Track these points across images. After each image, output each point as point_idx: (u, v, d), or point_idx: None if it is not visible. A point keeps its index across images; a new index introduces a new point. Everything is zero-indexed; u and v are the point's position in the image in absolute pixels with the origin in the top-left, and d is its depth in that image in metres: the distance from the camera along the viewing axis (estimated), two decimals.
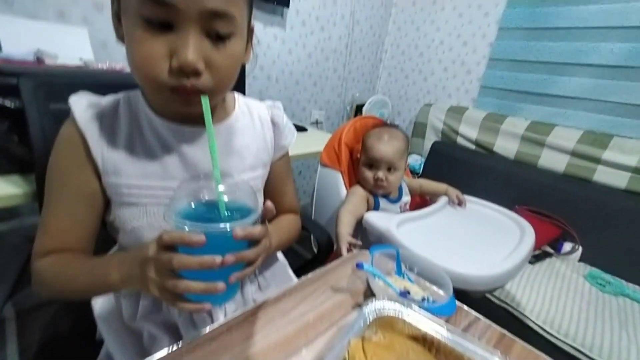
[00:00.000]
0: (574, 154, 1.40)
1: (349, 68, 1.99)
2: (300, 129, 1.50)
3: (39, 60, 0.74)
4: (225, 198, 0.34)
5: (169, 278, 0.32)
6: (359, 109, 2.02)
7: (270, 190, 0.57)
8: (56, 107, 0.60)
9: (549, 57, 1.50)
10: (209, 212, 0.34)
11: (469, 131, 1.71)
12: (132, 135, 0.43)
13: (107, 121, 0.43)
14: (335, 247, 0.77)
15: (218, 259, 0.30)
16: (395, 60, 2.12)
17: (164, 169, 0.44)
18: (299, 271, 0.80)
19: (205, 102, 0.34)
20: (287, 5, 1.47)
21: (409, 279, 0.53)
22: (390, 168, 0.86)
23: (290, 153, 1.08)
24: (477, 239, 0.78)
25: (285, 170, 0.60)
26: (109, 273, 0.39)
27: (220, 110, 0.49)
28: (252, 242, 0.35)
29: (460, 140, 1.76)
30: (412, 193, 1.00)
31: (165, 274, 0.32)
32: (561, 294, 1.08)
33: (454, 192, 0.97)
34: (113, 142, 0.42)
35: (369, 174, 0.87)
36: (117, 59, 1.07)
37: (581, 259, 1.31)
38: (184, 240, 0.30)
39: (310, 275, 0.53)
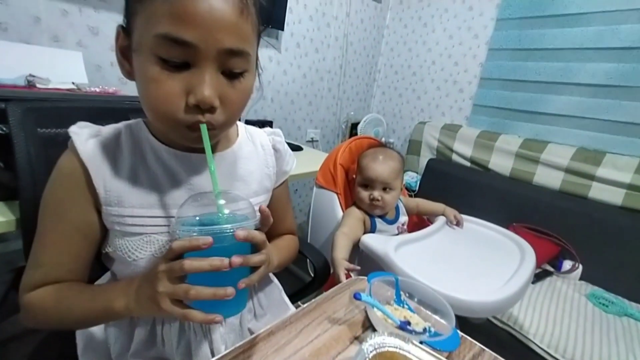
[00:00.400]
0: (568, 170, 1.41)
1: (344, 88, 2.02)
2: (295, 148, 1.50)
3: (30, 84, 0.73)
4: (226, 210, 0.37)
5: (180, 288, 0.33)
6: (354, 128, 2.03)
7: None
8: (44, 132, 0.60)
9: (538, 76, 1.53)
10: (212, 222, 0.36)
11: (463, 148, 1.72)
12: (135, 165, 0.43)
13: (109, 151, 0.42)
14: (331, 272, 0.75)
15: (226, 260, 0.32)
16: (388, 79, 2.16)
17: (169, 198, 0.43)
18: (296, 296, 0.78)
19: (204, 130, 0.36)
20: (282, 28, 1.50)
21: (409, 308, 0.51)
22: (385, 188, 0.86)
23: None
24: (477, 261, 0.77)
25: (285, 195, 0.61)
26: (113, 299, 0.38)
27: (224, 140, 0.49)
28: (255, 249, 0.38)
29: (455, 157, 1.77)
30: (409, 213, 0.98)
31: (177, 283, 0.34)
32: (564, 315, 1.05)
33: (451, 212, 0.95)
34: (115, 172, 0.41)
35: (364, 194, 0.87)
36: (111, 82, 1.07)
37: (582, 278, 1.29)
38: (193, 243, 0.32)
39: (305, 306, 0.51)
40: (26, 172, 0.54)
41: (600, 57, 1.37)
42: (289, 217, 0.63)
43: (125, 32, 0.37)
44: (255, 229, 0.38)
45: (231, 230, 0.34)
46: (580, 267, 1.29)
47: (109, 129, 0.44)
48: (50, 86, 0.77)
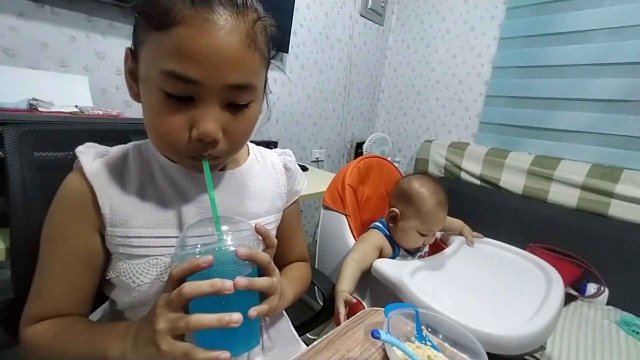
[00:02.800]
0: (584, 187, 1.35)
1: (348, 108, 2.02)
2: (301, 168, 1.48)
3: (32, 108, 0.72)
4: (229, 240, 0.35)
5: (180, 319, 0.31)
6: (359, 147, 2.01)
7: (281, 238, 0.55)
8: (41, 156, 0.57)
9: (545, 93, 1.51)
10: (215, 252, 0.34)
11: (472, 166, 1.68)
12: (143, 184, 0.42)
13: (116, 170, 0.41)
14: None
15: (228, 281, 0.30)
16: (393, 99, 2.16)
17: (178, 216, 0.42)
18: (304, 327, 0.72)
19: (206, 166, 0.36)
20: (287, 51, 1.52)
21: (433, 346, 0.45)
22: None
23: None
24: (501, 288, 0.70)
25: (296, 217, 0.59)
26: (109, 344, 0.36)
27: (233, 159, 0.49)
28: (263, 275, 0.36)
29: (464, 175, 1.72)
30: None
31: (177, 317, 0.31)
32: (596, 345, 0.97)
33: (470, 233, 0.89)
34: (123, 191, 0.41)
35: (419, 240, 0.79)
36: (116, 105, 1.07)
37: (609, 302, 1.20)
38: (192, 263, 0.31)
39: (316, 343, 0.45)
40: (19, 198, 0.52)
41: (608, 73, 1.35)
42: (299, 241, 0.61)
43: (133, 55, 0.37)
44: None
45: (233, 249, 0.32)
46: (607, 290, 1.21)
47: (116, 149, 0.43)
48: (52, 109, 0.76)
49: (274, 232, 0.53)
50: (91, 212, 0.39)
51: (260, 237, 0.38)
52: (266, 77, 0.42)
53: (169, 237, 0.41)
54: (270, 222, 0.51)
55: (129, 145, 0.44)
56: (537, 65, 1.53)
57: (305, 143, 1.84)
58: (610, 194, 1.29)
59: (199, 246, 0.34)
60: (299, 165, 1.62)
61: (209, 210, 0.43)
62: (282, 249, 0.55)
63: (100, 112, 0.82)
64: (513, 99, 1.62)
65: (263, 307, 0.35)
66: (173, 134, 0.35)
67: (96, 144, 0.43)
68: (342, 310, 0.63)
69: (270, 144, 1.54)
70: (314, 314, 0.72)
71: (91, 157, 0.40)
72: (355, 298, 0.78)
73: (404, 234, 0.80)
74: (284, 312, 0.60)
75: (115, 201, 0.40)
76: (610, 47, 1.33)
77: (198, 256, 0.32)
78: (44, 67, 0.93)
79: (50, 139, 0.59)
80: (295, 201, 0.58)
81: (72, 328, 0.39)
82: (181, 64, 0.31)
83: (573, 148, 1.45)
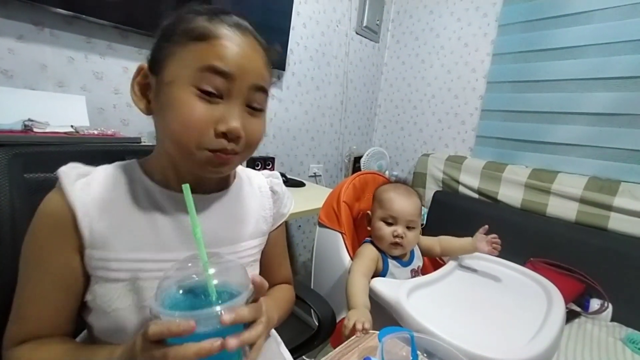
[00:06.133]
0: (583, 201, 1.34)
1: (345, 123, 2.04)
2: (298, 184, 1.47)
3: (27, 129, 0.73)
4: (215, 281, 0.33)
5: None
6: (357, 161, 2.02)
7: (267, 260, 0.55)
8: (32, 177, 0.57)
9: (539, 106, 1.53)
10: (197, 297, 0.33)
11: (470, 180, 1.68)
12: (125, 206, 0.41)
13: (98, 191, 0.40)
14: (338, 320, 0.68)
15: (217, 341, 0.29)
16: (389, 113, 2.18)
17: (159, 238, 0.42)
18: (300, 348, 0.70)
19: (187, 190, 0.34)
20: (283, 68, 1.54)
21: None
22: (409, 225, 0.81)
23: None
24: (500, 307, 0.69)
25: (281, 240, 0.59)
26: None
27: (222, 180, 0.49)
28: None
29: (462, 189, 1.72)
30: (428, 255, 0.91)
31: None
32: None
33: (485, 247, 0.82)
34: (103, 213, 0.40)
35: (387, 231, 0.80)
36: (113, 124, 1.08)
37: (613, 319, 1.17)
38: (172, 330, 0.28)
39: None
40: (6, 221, 0.51)
41: (601, 87, 1.37)
42: (285, 265, 0.61)
43: (152, 70, 0.40)
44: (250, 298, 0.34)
45: (219, 313, 0.30)
46: (610, 306, 1.18)
47: (100, 170, 0.43)
48: (47, 130, 0.77)
49: (258, 255, 0.53)
50: (71, 232, 0.39)
51: (249, 276, 0.36)
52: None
53: (150, 260, 0.41)
54: (254, 246, 0.51)
55: (113, 165, 0.44)
56: (530, 80, 1.55)
57: (302, 158, 1.84)
58: (609, 207, 1.28)
59: (180, 291, 0.32)
60: (296, 181, 1.62)
61: (191, 234, 0.42)
62: (267, 271, 0.55)
63: (96, 132, 0.83)
64: (508, 112, 1.64)
65: (251, 357, 0.34)
66: (200, 125, 0.37)
67: (80, 164, 0.42)
68: (359, 326, 0.56)
69: (268, 160, 1.54)
70: (309, 336, 0.70)
71: (73, 177, 0.40)
72: None
73: (375, 230, 0.83)
74: (275, 334, 0.59)
75: (95, 223, 0.39)
76: (602, 62, 1.35)
77: (178, 320, 0.29)
78: (42, 88, 0.94)
79: (41, 161, 0.59)
80: (281, 224, 0.57)
81: (57, 349, 0.39)
82: (221, 61, 0.37)
83: (570, 161, 1.45)
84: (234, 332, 0.33)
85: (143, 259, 0.41)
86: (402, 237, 0.79)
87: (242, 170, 0.54)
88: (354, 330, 0.55)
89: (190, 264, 0.34)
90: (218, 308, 0.30)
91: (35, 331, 0.39)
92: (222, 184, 0.49)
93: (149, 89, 0.41)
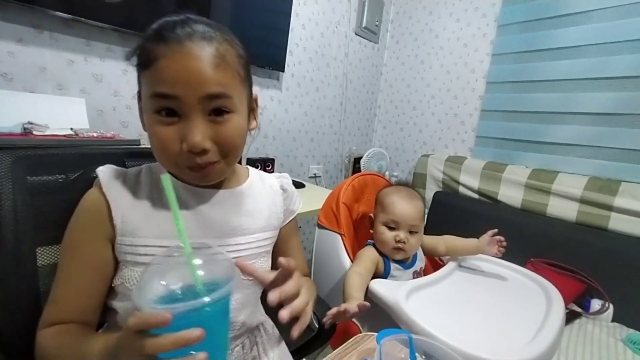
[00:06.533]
0: (583, 201, 1.34)
1: (345, 123, 2.04)
2: (297, 185, 1.47)
3: (26, 132, 0.73)
4: (200, 272, 0.33)
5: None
6: (357, 162, 2.02)
7: (280, 255, 0.57)
8: (34, 180, 0.57)
9: (539, 107, 1.53)
10: (180, 288, 0.33)
11: (470, 180, 1.68)
12: (152, 199, 0.47)
13: (130, 187, 0.47)
14: (333, 319, 0.67)
15: (196, 331, 0.28)
16: (389, 114, 2.18)
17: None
18: (299, 352, 0.70)
19: (166, 180, 0.35)
20: (283, 70, 1.55)
21: None
22: (411, 230, 0.79)
23: None
24: (499, 308, 0.69)
25: (294, 234, 0.62)
26: (91, 356, 0.37)
27: (233, 180, 0.54)
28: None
29: (462, 189, 1.72)
30: (431, 255, 0.90)
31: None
32: None
33: (492, 249, 0.81)
34: (134, 204, 0.45)
35: (389, 235, 0.79)
36: (112, 126, 1.08)
37: (614, 319, 1.17)
38: (149, 323, 0.29)
39: None
40: (9, 224, 0.52)
41: (600, 87, 1.36)
42: (299, 258, 0.62)
43: (139, 96, 0.45)
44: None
45: (199, 307, 0.29)
46: (611, 307, 1.18)
47: (132, 169, 0.49)
48: (47, 133, 0.77)
49: (269, 248, 0.56)
50: (105, 222, 0.44)
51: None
52: (250, 94, 0.47)
53: (170, 245, 0.43)
54: (265, 238, 0.55)
55: (143, 166, 0.51)
56: (530, 80, 1.55)
57: (302, 159, 1.84)
58: (610, 207, 1.28)
59: (163, 282, 0.32)
60: (296, 182, 1.62)
61: (209, 223, 0.48)
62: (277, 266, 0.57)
63: (95, 134, 0.83)
64: (508, 113, 1.64)
65: (299, 302, 0.39)
66: (167, 147, 0.40)
67: (113, 166, 0.49)
68: (354, 308, 0.59)
69: (268, 161, 1.54)
70: (309, 338, 0.70)
71: (109, 173, 0.46)
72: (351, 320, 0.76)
73: (377, 234, 0.82)
74: (276, 332, 0.61)
75: (127, 213, 0.44)
76: (601, 62, 1.35)
77: (160, 308, 0.29)
78: (41, 91, 0.95)
79: (43, 164, 0.59)
80: (292, 220, 0.61)
81: (70, 336, 0.41)
82: (160, 85, 0.39)
83: (569, 161, 1.45)
84: (218, 323, 0.33)
85: (166, 245, 0.44)
86: (404, 242, 0.78)
87: (255, 172, 0.59)
88: (338, 315, 0.59)
89: (175, 254, 0.35)
90: (199, 300, 0.29)
91: (65, 313, 0.43)
92: (235, 182, 0.53)
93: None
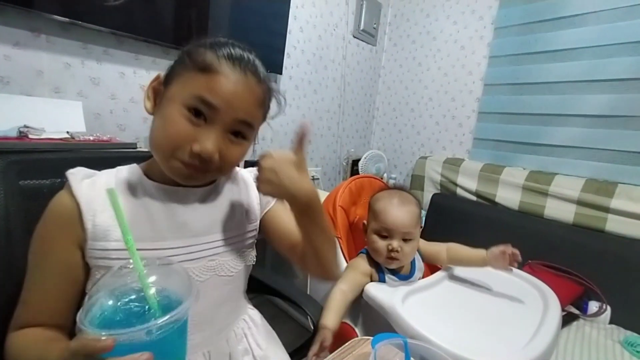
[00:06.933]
0: (580, 202, 1.34)
1: (343, 126, 2.04)
2: None
3: (22, 135, 0.73)
4: (152, 289, 0.32)
5: None
6: (355, 164, 2.02)
7: (281, 229, 0.57)
8: (27, 184, 0.57)
9: (536, 109, 1.53)
10: (131, 308, 0.31)
11: (467, 182, 1.68)
12: (125, 202, 0.45)
13: (101, 189, 0.44)
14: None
15: (143, 355, 0.27)
16: (387, 116, 2.19)
17: (155, 230, 0.46)
18: (295, 354, 0.70)
19: (112, 194, 0.34)
20: (280, 72, 1.55)
21: None
22: (405, 237, 0.75)
23: None
24: (496, 312, 0.69)
25: (281, 212, 0.58)
26: None
27: None
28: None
29: (460, 191, 1.72)
30: (431, 262, 0.86)
31: None
32: None
33: (503, 264, 0.74)
34: (105, 207, 0.43)
35: (381, 244, 0.75)
36: (109, 129, 1.08)
37: (612, 321, 1.17)
38: (88, 349, 0.28)
39: None
40: (1, 227, 0.51)
41: (596, 89, 1.37)
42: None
43: (165, 80, 0.46)
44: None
45: (145, 331, 0.28)
46: (609, 309, 1.18)
47: (104, 172, 0.48)
48: (43, 136, 0.77)
49: (251, 241, 0.56)
50: (75, 227, 0.43)
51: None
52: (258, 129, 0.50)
53: (145, 249, 0.44)
54: (244, 232, 0.54)
55: (116, 168, 0.49)
56: (527, 82, 1.56)
57: None
58: (607, 209, 1.28)
59: (110, 302, 0.31)
60: None
61: (185, 223, 0.48)
62: (285, 238, 0.56)
63: (92, 138, 0.83)
64: (505, 115, 1.64)
65: None
66: (178, 138, 0.42)
67: (85, 168, 0.47)
68: (314, 349, 0.61)
69: None
70: (304, 341, 0.70)
71: (80, 177, 0.45)
72: (347, 324, 0.76)
73: (369, 243, 0.78)
74: (274, 335, 0.62)
75: (98, 216, 0.43)
76: (597, 64, 1.36)
77: (103, 336, 0.27)
78: (38, 94, 0.95)
79: (37, 168, 0.59)
80: (274, 205, 0.58)
81: (35, 341, 0.41)
82: (211, 94, 0.41)
83: (566, 163, 1.46)
84: (171, 345, 0.31)
85: (140, 249, 0.42)
86: (397, 252, 0.74)
87: None
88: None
89: (125, 271, 0.33)
90: (146, 325, 0.28)
91: (35, 317, 0.42)
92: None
93: (159, 94, 0.46)
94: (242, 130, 0.45)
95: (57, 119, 0.91)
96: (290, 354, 0.68)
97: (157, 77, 0.47)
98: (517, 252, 0.73)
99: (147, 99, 0.47)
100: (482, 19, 1.71)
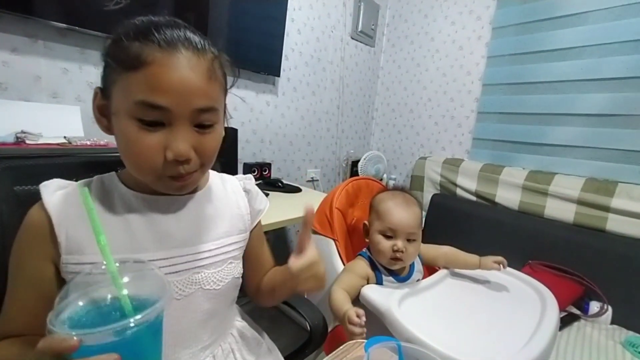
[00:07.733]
0: (580, 202, 1.34)
1: (342, 127, 2.04)
2: (294, 189, 1.47)
3: (19, 141, 0.73)
4: (125, 291, 0.31)
5: None
6: (354, 165, 2.02)
7: (254, 256, 0.58)
8: (22, 190, 0.57)
9: (535, 108, 1.53)
10: (101, 308, 0.31)
11: (467, 183, 1.68)
12: (101, 212, 0.43)
13: (75, 201, 0.42)
14: (329, 329, 0.67)
15: (112, 356, 0.27)
16: (386, 117, 2.19)
17: (134, 240, 0.44)
18: (292, 357, 0.69)
19: (84, 194, 0.34)
20: (278, 74, 1.55)
21: None
22: (409, 238, 0.75)
23: (283, 217, 1.02)
24: (493, 314, 0.68)
25: (261, 235, 0.60)
26: None
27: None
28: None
29: (459, 192, 1.71)
30: (428, 264, 0.87)
31: None
32: None
33: (492, 266, 0.79)
34: (80, 220, 0.41)
35: (386, 245, 0.74)
36: (106, 134, 1.08)
37: (613, 322, 1.16)
38: (53, 348, 0.27)
39: None
40: None
41: (596, 88, 1.36)
42: (268, 257, 0.62)
43: (103, 94, 0.41)
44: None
45: (111, 330, 0.27)
46: (610, 309, 1.17)
47: (81, 182, 0.46)
48: (41, 141, 0.77)
49: (237, 252, 0.53)
50: (47, 241, 0.41)
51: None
52: (225, 103, 0.46)
53: (96, 263, 0.41)
54: (231, 243, 0.52)
55: (93, 178, 0.47)
56: (525, 82, 1.55)
57: (299, 163, 1.84)
58: (607, 209, 1.27)
59: (80, 303, 0.30)
60: (292, 186, 1.61)
61: (166, 234, 0.45)
62: (257, 265, 0.58)
63: (89, 142, 0.83)
64: (504, 115, 1.64)
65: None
66: (149, 156, 0.38)
67: (61, 179, 0.45)
68: (355, 319, 0.61)
69: (264, 165, 1.54)
70: (301, 344, 0.70)
71: (52, 189, 0.43)
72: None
73: (373, 244, 0.78)
74: (271, 342, 0.61)
75: (71, 229, 0.41)
76: (596, 63, 1.35)
77: (72, 333, 0.27)
78: (36, 99, 0.95)
79: (32, 173, 0.59)
80: (259, 221, 0.59)
81: (12, 350, 0.40)
82: (152, 94, 0.36)
83: (566, 162, 1.45)
84: (145, 346, 0.31)
85: (117, 261, 0.41)
86: (402, 252, 0.73)
87: (215, 174, 0.55)
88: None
89: (97, 272, 0.32)
90: (112, 326, 0.27)
91: (14, 328, 0.42)
92: (194, 188, 0.50)
93: (107, 110, 0.41)
94: (206, 119, 0.40)
95: (55, 124, 0.91)
96: (290, 356, 0.68)
97: (96, 93, 0.42)
98: (505, 261, 0.79)
99: (97, 120, 0.42)
100: (480, 19, 1.71)
